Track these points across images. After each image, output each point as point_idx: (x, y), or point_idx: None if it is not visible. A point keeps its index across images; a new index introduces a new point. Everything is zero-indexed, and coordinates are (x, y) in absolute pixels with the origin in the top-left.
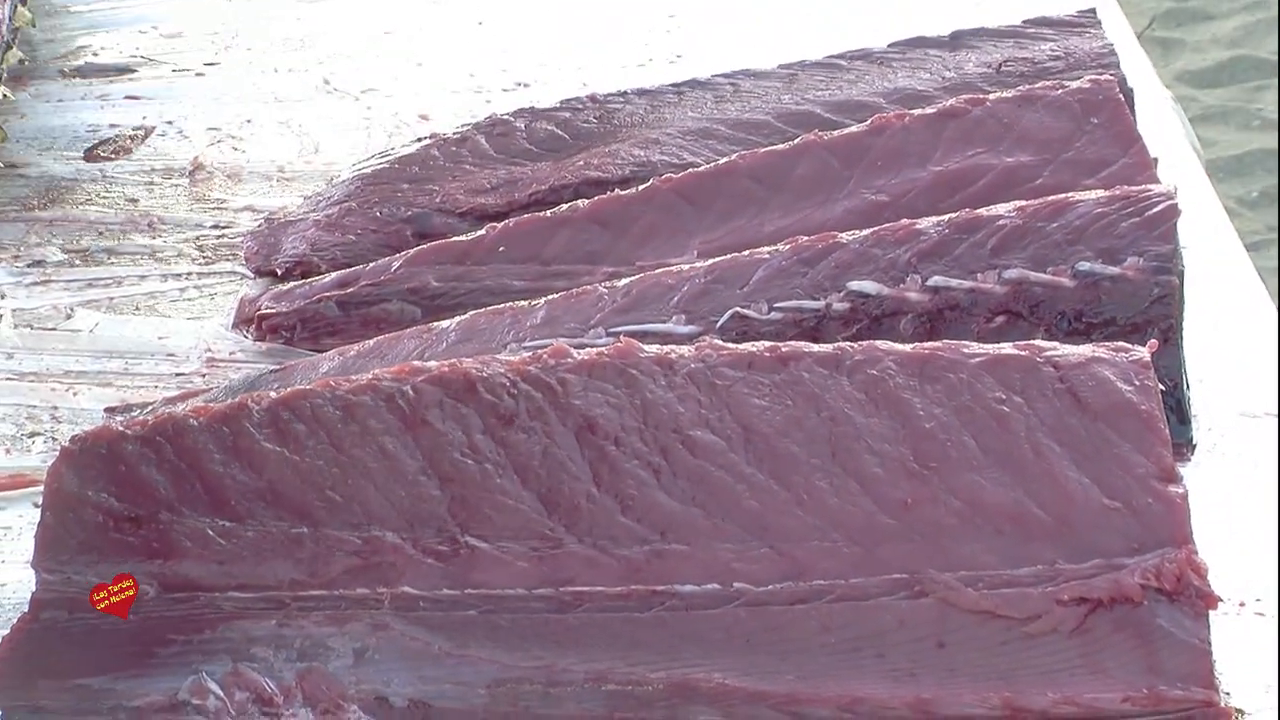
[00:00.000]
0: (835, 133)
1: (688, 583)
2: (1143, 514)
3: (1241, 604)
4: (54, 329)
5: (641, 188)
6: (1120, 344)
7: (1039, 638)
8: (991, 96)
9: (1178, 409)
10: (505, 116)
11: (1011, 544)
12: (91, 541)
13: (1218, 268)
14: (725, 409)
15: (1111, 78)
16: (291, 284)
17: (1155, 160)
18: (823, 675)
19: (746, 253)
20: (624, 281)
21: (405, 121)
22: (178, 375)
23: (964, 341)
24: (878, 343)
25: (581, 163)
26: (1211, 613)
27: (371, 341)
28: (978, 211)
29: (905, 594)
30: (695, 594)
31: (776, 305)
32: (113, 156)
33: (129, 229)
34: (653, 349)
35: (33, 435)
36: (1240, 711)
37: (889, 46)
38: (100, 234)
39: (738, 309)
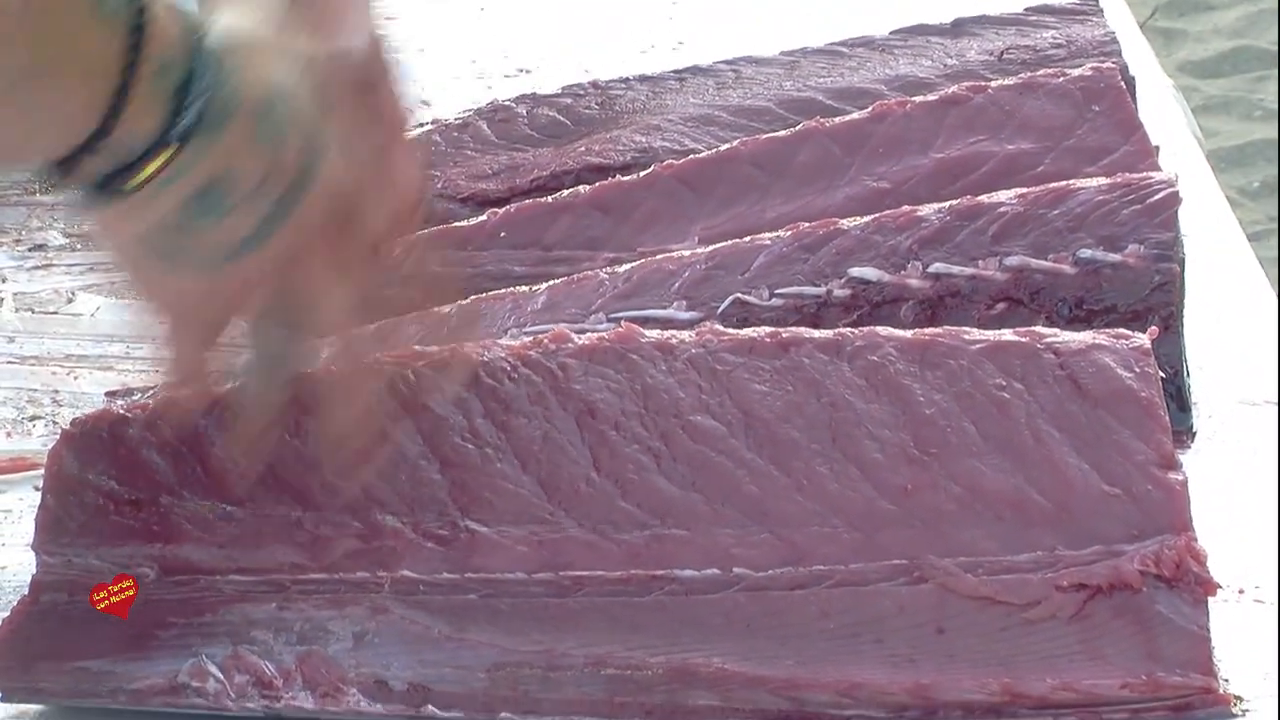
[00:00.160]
0: (837, 119)
1: (687, 567)
2: (1142, 501)
3: (1241, 591)
4: (55, 313)
5: (643, 174)
6: (1121, 331)
7: (1038, 624)
8: (993, 84)
9: (1178, 396)
10: (507, 102)
11: (1011, 530)
12: (92, 524)
13: (1219, 256)
14: (726, 394)
15: (1113, 65)
16: None
17: (1157, 148)
18: (822, 660)
19: (748, 239)
20: (625, 267)
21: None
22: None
23: (964, 328)
24: (878, 329)
25: (583, 149)
26: (1210, 600)
27: (372, 326)
28: (979, 198)
29: (905, 580)
30: (695, 579)
31: (778, 291)
32: None
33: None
34: (653, 334)
35: (33, 419)
36: (1239, 698)
37: (891, 34)
38: None
39: (739, 295)
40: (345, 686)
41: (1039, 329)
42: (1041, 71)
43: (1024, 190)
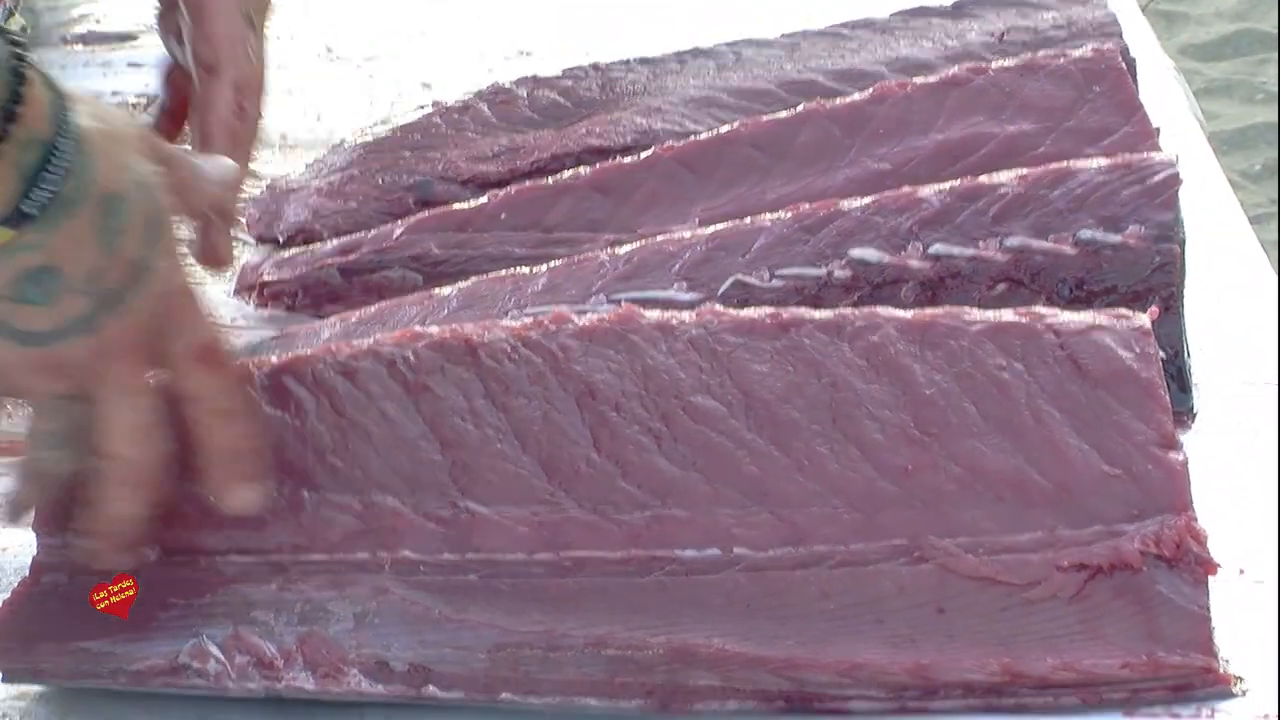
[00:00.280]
0: (837, 101)
1: (688, 548)
2: (1143, 481)
3: (1241, 571)
4: None
5: (643, 155)
6: (1121, 311)
7: (1038, 604)
8: (994, 65)
9: (1179, 377)
10: (507, 85)
11: (1011, 510)
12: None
13: (1220, 238)
14: (726, 375)
15: (1114, 47)
16: (293, 251)
17: (1157, 130)
18: (822, 641)
19: (748, 220)
20: (625, 249)
21: (407, 90)
22: None
23: (965, 308)
24: (878, 309)
25: (583, 131)
26: (1211, 580)
27: (373, 308)
28: (979, 179)
29: (905, 560)
30: (695, 559)
31: (778, 273)
32: None
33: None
34: (653, 315)
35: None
36: (1239, 678)
37: (891, 15)
38: None
39: (739, 276)
40: (346, 667)
41: (1039, 309)
42: (1042, 53)
43: (1024, 171)
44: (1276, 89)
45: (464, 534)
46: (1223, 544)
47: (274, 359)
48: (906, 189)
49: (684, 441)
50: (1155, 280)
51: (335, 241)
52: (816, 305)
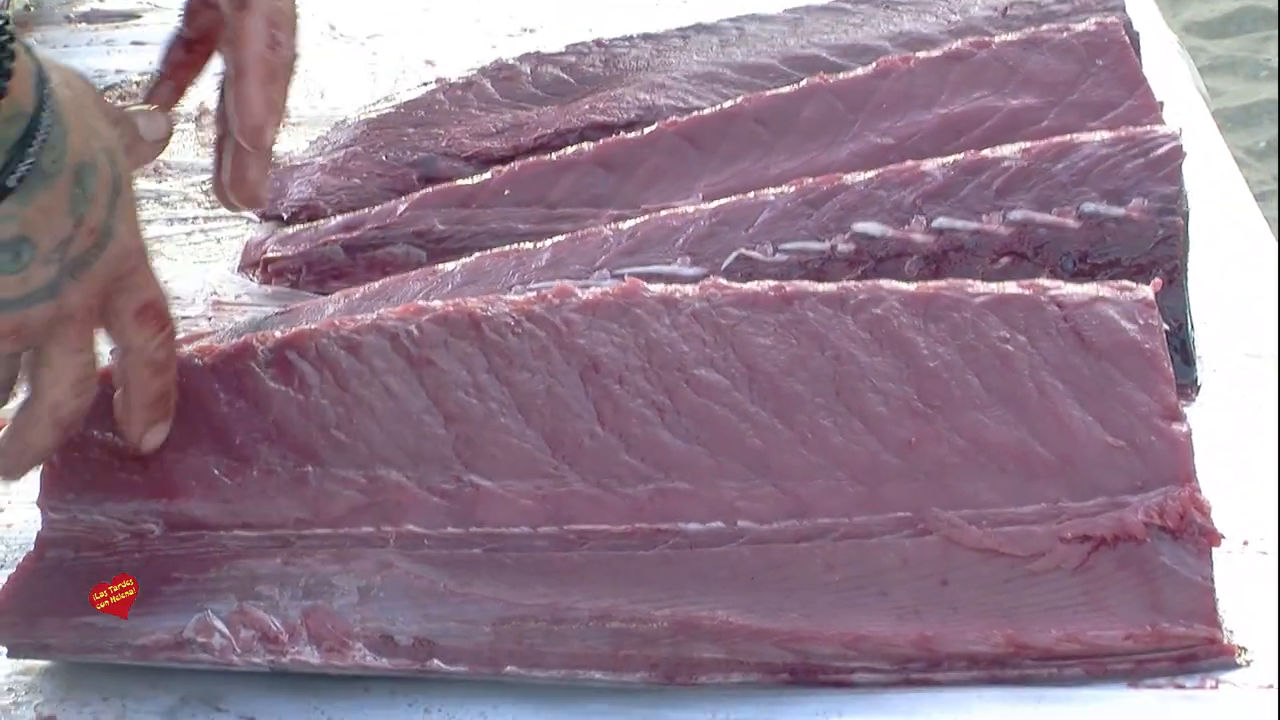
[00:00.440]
0: (841, 76)
1: (692, 521)
2: (1146, 452)
3: (1245, 542)
4: None
5: (647, 131)
6: (1124, 283)
7: (1042, 575)
8: (997, 39)
9: (1182, 350)
10: (511, 61)
11: (1015, 482)
12: (97, 480)
13: (1224, 212)
14: (729, 348)
15: (1117, 20)
16: (297, 228)
17: (1161, 104)
18: (826, 613)
19: (752, 195)
20: (629, 224)
21: (411, 66)
22: (184, 318)
23: (968, 280)
24: (882, 282)
25: (587, 107)
26: (1214, 551)
27: (377, 284)
28: (983, 153)
29: (909, 532)
30: (699, 532)
31: (781, 247)
32: (119, 102)
33: (135, 174)
34: (657, 289)
35: None
36: (1243, 649)
37: None
38: None
39: (743, 251)
40: (351, 641)
41: (1042, 281)
42: (1045, 26)
43: (1028, 145)
44: (1276, 66)
45: (468, 508)
46: (1226, 516)
47: (277, 333)
48: (910, 163)
49: (687, 415)
50: (1159, 253)
51: (339, 218)
52: (820, 279)
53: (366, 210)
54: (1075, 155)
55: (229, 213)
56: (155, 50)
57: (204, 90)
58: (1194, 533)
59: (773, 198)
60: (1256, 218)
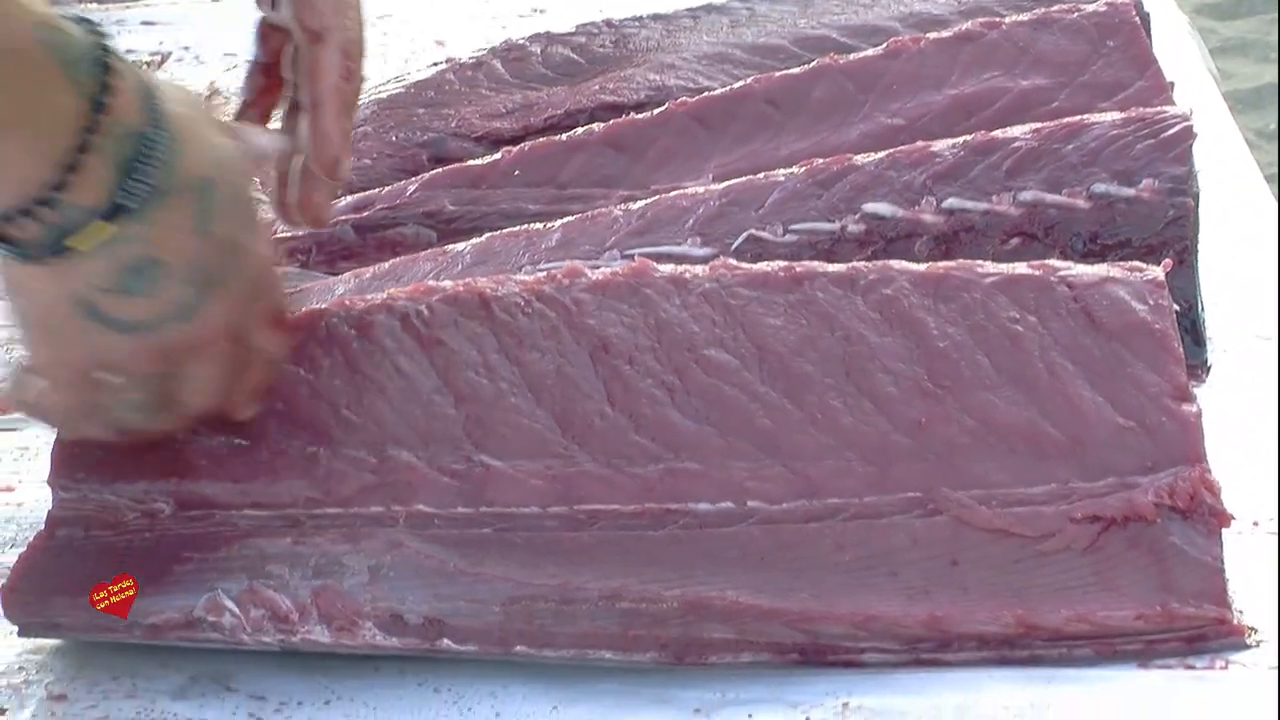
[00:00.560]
0: (851, 56)
1: (701, 501)
2: (1156, 432)
3: (1255, 523)
4: None
5: (657, 112)
6: (1135, 264)
7: (1052, 556)
8: (1007, 20)
9: (1193, 330)
10: (521, 41)
11: (1025, 463)
12: (107, 459)
13: (1235, 193)
14: (739, 328)
15: (1128, 1)
16: None
17: (1171, 84)
18: (836, 593)
19: (762, 175)
20: (639, 204)
21: (421, 47)
22: None
23: (978, 261)
24: (892, 262)
25: (597, 87)
26: (1225, 531)
27: (387, 264)
28: (993, 134)
29: (919, 512)
30: (709, 512)
31: (791, 227)
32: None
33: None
34: (667, 269)
35: None
36: (1253, 629)
37: None
38: None
39: (753, 231)
40: (361, 620)
41: (1053, 262)
42: (1056, 7)
43: (1038, 125)
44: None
45: (478, 488)
46: (1236, 496)
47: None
48: (920, 144)
49: (697, 395)
50: (1169, 234)
51: (349, 198)
52: (830, 260)
53: (377, 190)
54: (1086, 136)
55: None
56: (165, 30)
57: (214, 71)
58: (1204, 513)
59: (783, 178)
60: (1267, 199)
